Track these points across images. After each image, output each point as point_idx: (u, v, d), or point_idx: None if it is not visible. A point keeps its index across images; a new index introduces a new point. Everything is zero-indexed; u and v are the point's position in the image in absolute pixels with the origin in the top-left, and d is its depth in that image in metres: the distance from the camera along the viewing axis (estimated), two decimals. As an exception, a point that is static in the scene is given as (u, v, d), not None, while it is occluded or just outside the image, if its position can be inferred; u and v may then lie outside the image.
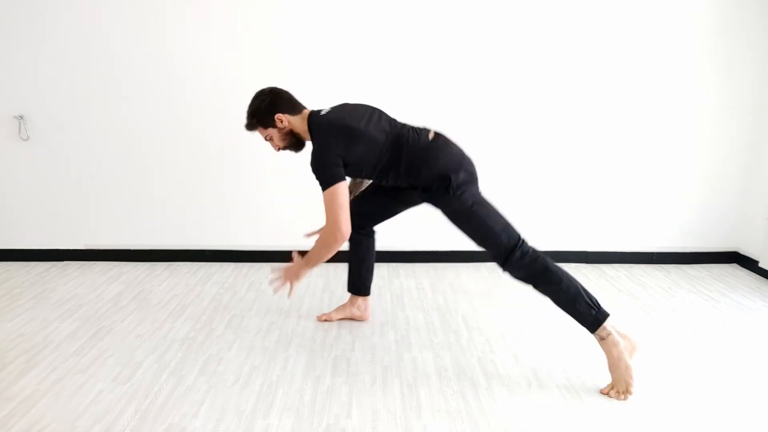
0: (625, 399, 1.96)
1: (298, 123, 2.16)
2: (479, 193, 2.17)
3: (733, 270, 3.29)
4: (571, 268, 3.28)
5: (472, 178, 2.17)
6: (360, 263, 2.55)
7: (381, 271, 3.25)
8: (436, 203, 2.16)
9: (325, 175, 2.02)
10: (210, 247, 3.39)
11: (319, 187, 2.05)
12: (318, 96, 3.14)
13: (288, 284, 2.22)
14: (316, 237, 2.20)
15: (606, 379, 2.05)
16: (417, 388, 2.03)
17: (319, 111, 2.18)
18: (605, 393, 1.99)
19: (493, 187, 3.27)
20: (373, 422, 1.83)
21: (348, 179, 2.09)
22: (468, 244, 3.35)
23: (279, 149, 2.24)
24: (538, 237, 3.33)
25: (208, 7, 3.04)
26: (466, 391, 2.01)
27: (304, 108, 2.20)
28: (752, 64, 3.12)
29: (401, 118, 3.14)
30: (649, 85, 3.15)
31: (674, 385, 2.05)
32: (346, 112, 2.16)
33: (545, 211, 3.32)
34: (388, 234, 3.34)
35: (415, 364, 2.20)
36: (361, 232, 2.48)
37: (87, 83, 3.13)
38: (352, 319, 2.58)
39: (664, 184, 3.28)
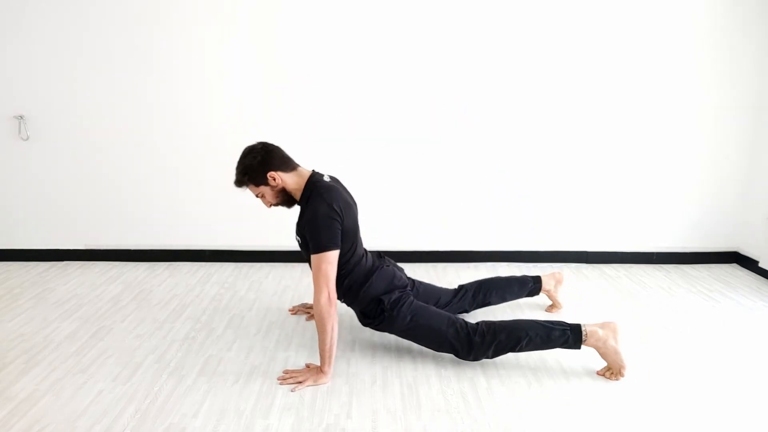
0: (618, 379, 2.06)
1: (290, 180, 2.11)
2: (412, 302, 2.20)
3: (733, 270, 3.29)
4: (571, 268, 3.31)
5: (403, 290, 2.22)
6: (498, 293, 2.60)
7: (381, 271, 3.25)
8: (379, 328, 2.22)
9: (324, 239, 2.00)
10: (210, 247, 3.39)
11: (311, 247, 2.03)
12: (318, 96, 3.15)
13: (300, 384, 2.05)
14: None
15: (602, 379, 2.06)
16: (417, 388, 2.03)
17: (321, 175, 2.17)
18: (601, 374, 2.09)
19: (494, 188, 3.29)
20: (373, 422, 1.83)
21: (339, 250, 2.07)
22: (468, 244, 3.38)
23: (271, 206, 2.19)
24: (539, 237, 3.36)
25: (208, 8, 3.04)
26: (466, 391, 2.01)
27: (297, 165, 2.17)
28: (752, 65, 3.12)
29: (401, 118, 3.17)
30: (649, 86, 3.15)
31: (674, 385, 2.05)
32: (349, 196, 2.21)
33: (545, 211, 3.32)
34: (389, 234, 3.35)
35: (415, 364, 2.19)
36: (472, 303, 2.55)
37: (87, 83, 3.13)
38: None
39: (664, 184, 3.28)
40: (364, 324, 2.26)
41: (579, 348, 2.07)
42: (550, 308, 2.69)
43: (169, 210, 3.32)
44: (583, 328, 2.06)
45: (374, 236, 3.26)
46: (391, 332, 2.22)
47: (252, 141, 2.22)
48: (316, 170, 2.20)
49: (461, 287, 2.53)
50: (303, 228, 2.08)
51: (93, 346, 2.34)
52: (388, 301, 2.15)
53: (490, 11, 3.05)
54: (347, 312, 2.67)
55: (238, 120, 3.17)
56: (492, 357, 2.13)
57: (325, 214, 2.02)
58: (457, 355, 2.15)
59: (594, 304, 2.77)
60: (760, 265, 3.13)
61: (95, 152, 3.23)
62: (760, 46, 3.10)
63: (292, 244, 3.28)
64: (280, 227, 3.28)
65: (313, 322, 2.56)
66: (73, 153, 3.23)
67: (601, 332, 2.05)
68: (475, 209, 3.32)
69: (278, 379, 2.08)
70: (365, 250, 2.31)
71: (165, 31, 3.07)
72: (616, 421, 1.84)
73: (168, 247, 3.39)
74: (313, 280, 2.02)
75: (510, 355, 2.26)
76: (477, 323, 2.13)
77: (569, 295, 2.86)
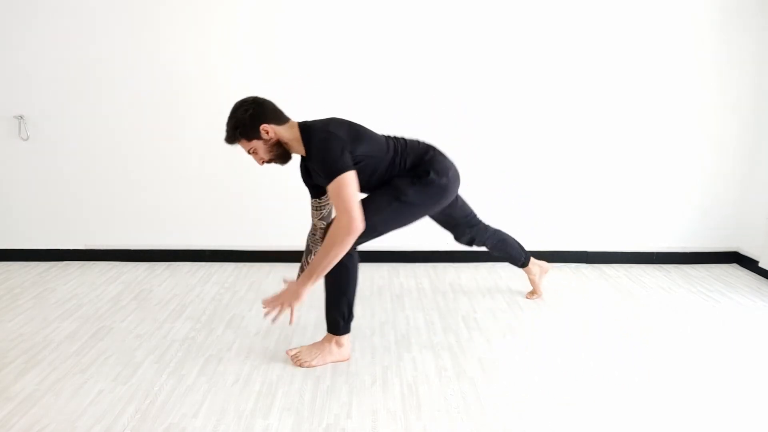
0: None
1: (285, 133, 2.03)
2: (418, 202, 2.17)
3: (733, 270, 3.29)
4: (571, 269, 3.31)
5: (443, 186, 2.22)
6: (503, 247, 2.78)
7: (381, 271, 3.25)
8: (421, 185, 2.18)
9: (336, 164, 1.89)
10: (210, 247, 3.39)
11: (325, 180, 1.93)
12: (318, 96, 3.15)
13: (287, 309, 1.96)
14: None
15: (602, 379, 2.06)
16: (417, 388, 2.03)
17: (307, 121, 2.10)
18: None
19: (494, 188, 3.29)
20: (373, 422, 1.83)
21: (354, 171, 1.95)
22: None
23: (263, 162, 2.09)
24: (539, 237, 3.36)
25: (207, 8, 3.04)
26: (466, 391, 2.01)
27: (289, 118, 2.09)
28: (752, 64, 3.12)
29: (401, 118, 3.17)
30: (649, 85, 3.15)
31: (674, 384, 2.05)
32: (341, 119, 2.12)
33: (545, 211, 3.32)
34: (388, 234, 3.34)
35: (415, 364, 2.20)
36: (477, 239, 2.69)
37: (87, 83, 3.13)
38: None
39: (664, 184, 3.28)
40: (407, 183, 2.16)
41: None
42: (530, 294, 2.84)
43: (169, 210, 3.32)
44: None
45: (374, 236, 3.27)
46: (411, 193, 2.15)
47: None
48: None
49: (482, 227, 2.63)
50: (315, 165, 2.01)
51: (93, 346, 2.34)
52: (433, 170, 2.18)
53: (490, 11, 3.05)
54: (347, 312, 2.67)
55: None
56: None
57: (325, 140, 1.94)
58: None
59: (594, 304, 2.77)
60: (760, 265, 3.13)
61: (95, 152, 3.23)
62: (760, 45, 3.10)
63: (293, 244, 3.29)
64: (280, 227, 3.30)
65: (313, 323, 2.56)
66: (73, 153, 3.23)
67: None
68: (474, 209, 3.32)
69: (264, 315, 2.01)
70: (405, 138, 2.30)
71: (165, 32, 3.07)
72: (616, 421, 1.84)
73: (168, 247, 3.39)
74: (335, 207, 1.91)
75: (510, 355, 2.26)
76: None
77: (569, 295, 2.87)
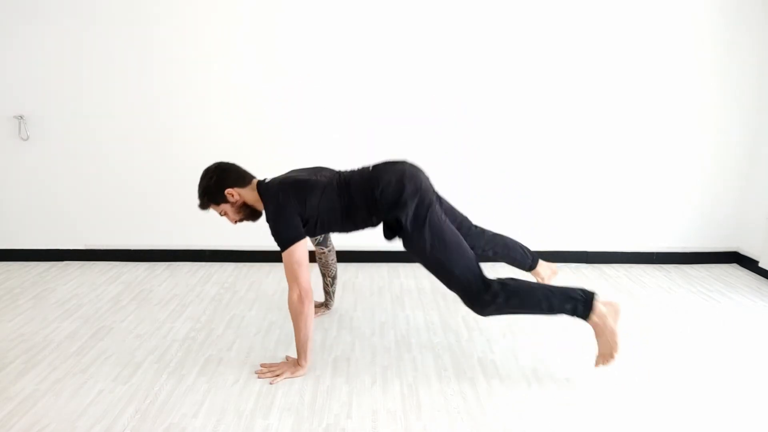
0: (608, 363, 1.98)
1: (248, 194, 2.14)
2: (436, 221, 2.06)
3: (733, 270, 3.29)
4: (571, 269, 3.31)
5: (422, 203, 2.05)
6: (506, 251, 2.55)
7: (381, 271, 3.25)
8: (404, 244, 2.13)
9: (283, 236, 2.02)
10: (210, 247, 3.39)
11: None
12: (318, 96, 3.15)
13: (285, 377, 2.09)
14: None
15: (602, 379, 2.06)
16: (417, 388, 2.03)
17: (264, 179, 2.17)
18: (597, 365, 2.01)
19: (494, 188, 3.29)
20: (373, 422, 1.83)
21: (307, 237, 2.06)
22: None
23: (235, 222, 2.21)
24: (539, 237, 3.35)
25: (207, 8, 3.04)
26: (466, 391, 2.01)
27: (253, 178, 2.18)
28: (753, 65, 3.12)
29: (401, 118, 3.17)
30: (649, 85, 3.15)
31: (674, 385, 2.05)
32: (291, 173, 2.21)
33: (545, 211, 3.32)
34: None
35: (415, 364, 2.19)
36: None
37: (87, 83, 3.13)
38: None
39: (664, 184, 3.28)
40: (388, 238, 2.15)
41: (586, 319, 1.98)
42: None
43: (169, 210, 3.32)
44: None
45: (374, 236, 3.26)
46: (411, 253, 2.12)
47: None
48: (262, 178, 2.18)
49: (478, 231, 2.44)
50: (271, 233, 2.07)
51: (93, 346, 2.34)
52: (406, 218, 2.02)
53: (491, 11, 3.05)
54: (347, 313, 2.68)
55: (237, 120, 3.17)
56: (499, 313, 2.07)
57: (275, 212, 2.03)
58: (466, 301, 2.06)
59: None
60: (760, 265, 3.13)
61: (95, 152, 3.23)
62: (760, 45, 3.10)
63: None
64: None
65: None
66: (73, 153, 3.23)
67: (603, 309, 1.97)
68: (475, 209, 3.31)
69: (256, 373, 2.11)
70: (351, 171, 2.21)
71: (165, 32, 3.07)
72: (616, 421, 1.84)
73: (168, 247, 3.39)
74: (286, 278, 2.04)
75: (510, 355, 2.26)
76: (492, 281, 2.03)
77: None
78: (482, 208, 3.30)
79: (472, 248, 2.28)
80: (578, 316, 1.99)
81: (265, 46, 3.09)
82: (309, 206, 2.05)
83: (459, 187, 3.28)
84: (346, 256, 3.37)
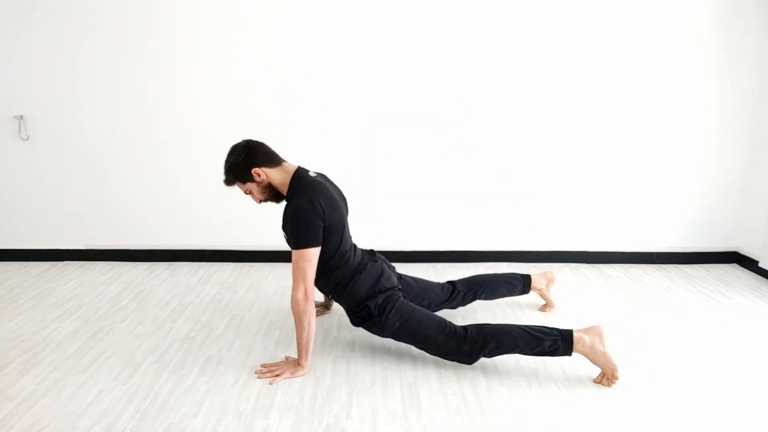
0: (613, 383, 2.02)
1: (275, 176, 2.12)
2: (402, 305, 2.17)
3: (733, 270, 3.29)
4: (571, 268, 3.31)
5: (389, 294, 2.19)
6: (489, 290, 2.59)
7: (381, 271, 3.25)
8: (370, 331, 2.22)
9: (303, 237, 2.01)
10: (210, 247, 3.39)
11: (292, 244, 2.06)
12: (318, 96, 3.15)
13: (285, 377, 2.10)
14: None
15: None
16: (417, 388, 2.03)
17: (307, 170, 2.18)
18: (597, 381, 2.06)
19: (494, 188, 3.29)
20: (373, 422, 1.83)
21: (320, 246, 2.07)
22: (468, 244, 3.37)
23: (260, 202, 2.21)
24: (539, 237, 3.36)
25: (207, 8, 3.04)
26: (466, 391, 2.01)
27: (283, 161, 2.17)
28: (752, 65, 3.12)
29: (401, 118, 3.17)
30: (649, 85, 3.15)
31: (675, 384, 2.05)
32: (334, 189, 2.21)
33: (545, 211, 3.32)
34: (389, 234, 3.35)
35: (415, 364, 2.19)
36: (459, 299, 2.54)
37: (87, 83, 3.13)
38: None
39: (664, 184, 3.28)
40: (355, 324, 2.25)
41: (570, 355, 2.04)
42: (544, 307, 2.68)
43: (169, 210, 3.32)
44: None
45: (374, 236, 3.27)
46: (381, 336, 2.23)
47: (270, 146, 2.23)
48: (303, 166, 2.19)
49: (453, 287, 2.49)
50: (285, 223, 2.09)
51: (93, 346, 2.34)
52: (375, 306, 2.14)
53: (490, 11, 3.05)
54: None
55: (238, 120, 3.17)
56: (485, 357, 2.13)
57: (306, 211, 2.02)
58: (447, 359, 2.16)
59: (594, 304, 2.77)
60: (760, 265, 3.13)
61: (95, 152, 3.23)
62: (760, 46, 3.10)
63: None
64: (280, 227, 3.29)
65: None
66: (73, 153, 3.23)
67: (587, 338, 2.02)
68: (475, 209, 3.32)
69: (256, 373, 2.11)
70: (354, 246, 2.30)
71: (165, 32, 3.07)
72: (616, 421, 1.84)
73: (168, 247, 3.39)
74: (292, 275, 2.04)
75: (510, 355, 2.26)
76: (467, 329, 2.10)
77: (569, 295, 2.86)
78: (482, 208, 3.31)
79: (464, 301, 2.51)
80: (561, 353, 2.04)
81: (265, 46, 3.09)
82: (333, 218, 2.08)
83: (459, 187, 3.29)
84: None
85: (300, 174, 2.13)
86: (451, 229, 3.36)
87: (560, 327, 2.07)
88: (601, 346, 2.02)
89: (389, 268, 2.35)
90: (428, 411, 1.89)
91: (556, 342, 2.02)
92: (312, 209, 2.02)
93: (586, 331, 2.05)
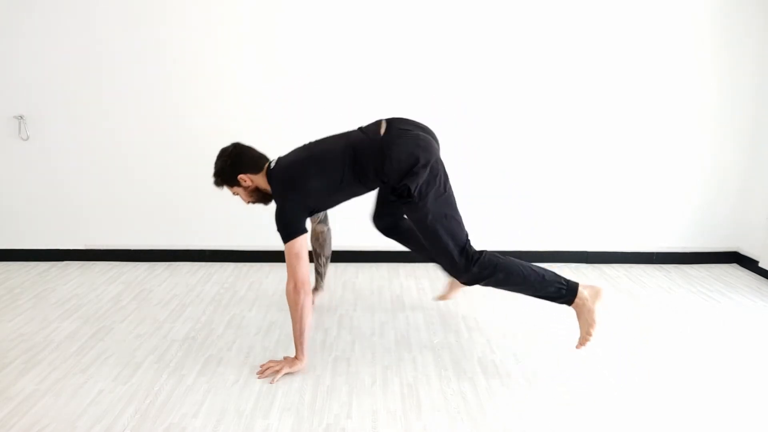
0: (587, 342, 2.04)
1: (261, 181, 2.19)
2: (441, 197, 2.12)
3: (733, 270, 3.29)
4: (571, 268, 3.31)
5: (432, 179, 2.08)
6: (418, 248, 2.56)
7: (381, 271, 3.25)
8: (403, 206, 2.17)
9: (285, 232, 2.06)
10: (210, 247, 3.39)
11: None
12: (318, 96, 3.15)
13: (285, 372, 2.11)
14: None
15: (603, 379, 2.06)
16: (417, 388, 2.03)
17: (271, 163, 2.19)
18: (578, 347, 2.08)
19: (494, 188, 3.29)
20: (373, 422, 1.83)
21: (308, 232, 2.09)
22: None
23: (248, 203, 2.28)
24: (539, 237, 3.35)
25: (207, 8, 3.04)
26: (466, 391, 2.01)
27: (267, 162, 2.20)
28: (752, 64, 3.12)
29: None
30: (649, 85, 3.15)
31: (674, 384, 2.05)
32: (291, 160, 2.16)
33: (545, 211, 3.32)
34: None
35: (415, 364, 2.20)
36: (395, 231, 2.56)
37: (87, 83, 3.13)
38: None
39: (664, 184, 3.28)
40: (392, 199, 2.17)
41: (570, 305, 2.07)
42: (442, 297, 2.71)
43: (169, 210, 3.32)
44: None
45: (374, 236, 3.26)
46: (408, 215, 2.19)
47: (251, 141, 2.24)
48: (270, 160, 2.20)
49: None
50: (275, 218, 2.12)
51: (93, 346, 2.34)
52: (414, 187, 2.04)
53: (490, 11, 3.05)
54: (347, 313, 2.68)
55: (238, 120, 3.17)
56: (482, 285, 2.14)
57: (280, 206, 2.08)
58: (450, 272, 2.15)
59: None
60: (760, 265, 3.13)
61: (95, 152, 3.23)
62: (760, 45, 3.10)
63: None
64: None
65: (312, 324, 2.57)
66: (73, 153, 3.23)
67: (585, 292, 2.06)
68: (475, 209, 3.31)
69: (257, 374, 2.11)
70: (359, 130, 2.21)
71: (164, 32, 3.07)
72: (616, 421, 1.84)
73: (168, 247, 3.39)
74: (287, 269, 2.08)
75: (510, 355, 2.26)
76: (481, 253, 2.10)
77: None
78: (482, 208, 3.31)
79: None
80: (563, 301, 2.07)
81: (265, 46, 3.09)
82: (313, 195, 2.10)
83: (459, 187, 3.27)
84: (346, 256, 3.37)
85: (270, 175, 2.16)
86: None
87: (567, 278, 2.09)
88: (592, 304, 2.05)
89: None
90: (428, 411, 1.89)
91: (560, 290, 2.06)
92: (283, 200, 2.08)
93: (587, 287, 2.10)
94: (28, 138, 3.21)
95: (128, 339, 2.40)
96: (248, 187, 2.20)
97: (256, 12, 3.05)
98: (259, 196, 2.25)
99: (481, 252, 2.11)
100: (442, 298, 2.72)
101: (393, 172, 2.06)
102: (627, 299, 2.84)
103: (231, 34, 3.08)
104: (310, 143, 2.26)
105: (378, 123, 2.19)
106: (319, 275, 2.68)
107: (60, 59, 3.09)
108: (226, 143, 2.24)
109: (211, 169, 3.19)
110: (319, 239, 2.59)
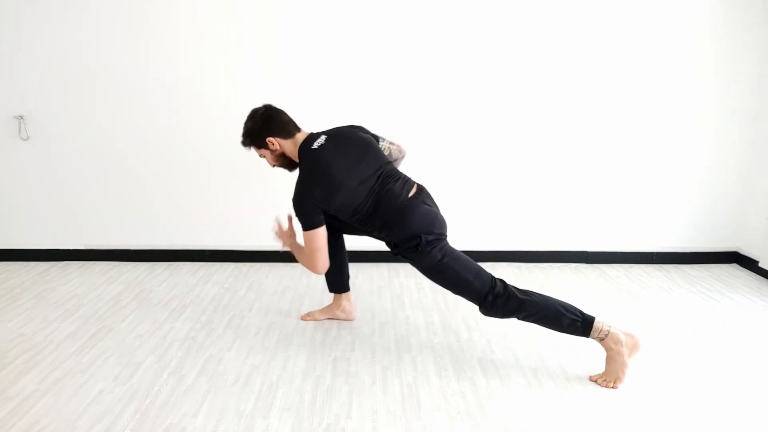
0: (606, 386, 2.02)
1: (289, 147, 2.20)
2: (447, 245, 2.16)
3: (733, 270, 3.29)
4: (571, 269, 3.31)
5: (441, 237, 2.16)
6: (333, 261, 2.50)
7: (381, 271, 3.25)
8: (408, 259, 2.17)
9: (305, 220, 2.10)
10: (210, 247, 3.39)
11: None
12: (318, 96, 3.15)
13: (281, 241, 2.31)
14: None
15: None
16: (417, 388, 2.03)
17: (313, 139, 2.17)
18: (594, 380, 2.05)
19: (494, 188, 3.29)
20: (373, 422, 1.83)
21: (324, 225, 2.15)
22: (468, 244, 3.37)
23: (273, 166, 2.31)
24: (539, 237, 3.35)
25: (207, 9, 3.04)
26: (466, 391, 2.01)
27: (299, 131, 2.22)
28: (752, 65, 3.12)
29: (401, 118, 3.16)
30: (649, 86, 3.15)
31: (674, 385, 2.05)
32: (335, 154, 2.13)
33: (545, 211, 3.32)
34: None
35: (415, 364, 2.20)
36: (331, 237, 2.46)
37: (87, 83, 3.13)
38: (336, 319, 2.58)
39: (664, 184, 3.28)
40: (394, 254, 2.20)
41: (588, 337, 2.02)
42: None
43: (170, 210, 3.32)
44: (599, 324, 2.00)
45: (374, 236, 3.27)
46: (416, 266, 2.17)
47: (289, 114, 2.24)
48: (311, 133, 2.21)
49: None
50: (293, 200, 2.14)
51: (93, 346, 2.34)
52: (425, 240, 2.08)
53: (490, 11, 3.05)
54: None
55: (238, 120, 3.16)
56: (500, 317, 2.11)
57: (302, 195, 2.10)
58: (479, 304, 2.11)
59: (594, 304, 2.77)
60: (760, 265, 3.13)
61: (95, 152, 3.23)
62: (760, 46, 3.10)
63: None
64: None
65: (312, 323, 2.57)
66: (73, 153, 3.23)
67: (623, 338, 2.00)
68: (475, 209, 3.32)
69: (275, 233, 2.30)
70: (394, 180, 2.18)
71: (165, 32, 3.07)
72: (616, 422, 1.84)
73: (168, 247, 3.39)
74: (305, 249, 2.17)
75: (510, 354, 2.26)
76: (497, 283, 2.09)
77: (570, 296, 2.86)
78: (482, 208, 3.31)
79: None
80: (576, 332, 2.03)
81: (265, 46, 3.09)
82: (335, 204, 2.12)
83: (459, 187, 3.28)
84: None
85: (305, 146, 2.16)
86: (450, 229, 3.34)
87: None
88: (627, 357, 2.01)
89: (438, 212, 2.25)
90: (428, 411, 1.89)
91: (575, 323, 2.01)
92: (305, 195, 2.10)
93: (628, 334, 2.03)
94: (28, 138, 3.21)
95: (128, 339, 2.40)
96: (275, 151, 2.20)
97: (256, 12, 3.05)
98: (284, 162, 2.26)
99: (505, 285, 2.10)
100: (313, 317, 2.61)
101: (402, 234, 2.10)
102: (627, 299, 2.84)
103: (231, 34, 3.08)
104: (356, 148, 2.19)
105: (411, 182, 2.23)
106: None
107: (60, 59, 3.09)
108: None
109: (212, 169, 3.23)
110: None
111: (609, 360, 2.03)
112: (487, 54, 3.11)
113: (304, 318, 2.59)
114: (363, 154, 2.18)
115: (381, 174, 2.18)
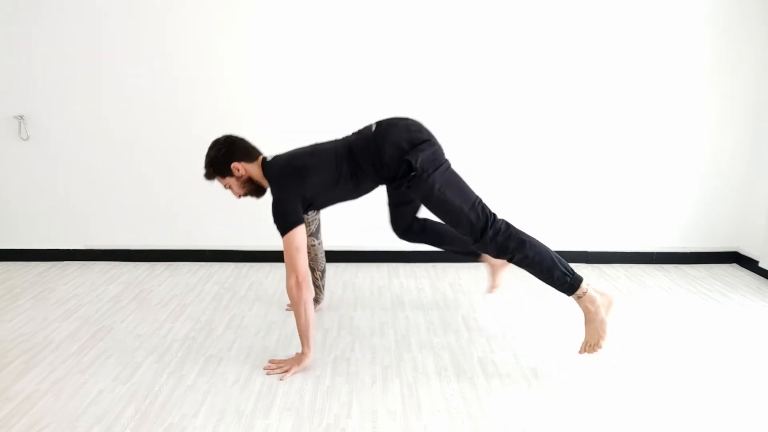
0: (593, 351, 2.02)
1: (254, 170, 2.19)
2: (446, 170, 2.14)
3: (733, 270, 3.29)
4: (571, 268, 3.29)
5: (432, 154, 2.11)
6: (443, 241, 2.56)
7: (381, 271, 3.25)
8: (409, 189, 2.14)
9: (282, 223, 2.07)
10: (210, 247, 3.39)
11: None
12: (318, 95, 3.15)
13: (294, 371, 2.12)
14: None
15: (602, 379, 2.06)
16: (417, 388, 2.03)
17: (266, 157, 2.21)
18: (581, 352, 2.06)
19: (494, 187, 3.28)
20: (373, 422, 1.83)
21: (304, 223, 2.12)
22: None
23: (239, 197, 2.27)
24: (539, 237, 3.34)
25: (207, 9, 3.04)
26: (466, 391, 2.01)
27: (260, 154, 2.23)
28: (753, 65, 3.12)
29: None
30: (649, 85, 3.15)
31: (674, 385, 2.05)
32: (292, 153, 2.22)
33: (545, 211, 3.32)
34: (389, 234, 3.34)
35: (415, 364, 2.20)
36: (412, 231, 2.55)
37: (87, 83, 3.13)
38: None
39: (664, 184, 3.28)
40: (394, 187, 2.19)
41: (569, 295, 2.03)
42: (491, 289, 2.69)
43: (169, 210, 3.32)
44: (584, 284, 2.01)
45: (374, 237, 3.27)
46: (415, 195, 2.16)
47: (251, 141, 2.25)
48: (264, 155, 2.23)
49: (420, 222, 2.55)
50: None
51: (93, 346, 2.34)
52: (416, 161, 2.03)
53: (491, 11, 3.05)
54: (347, 313, 2.68)
55: (238, 120, 3.17)
56: (493, 255, 2.13)
57: (277, 196, 2.10)
58: (473, 238, 2.10)
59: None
60: (760, 265, 3.13)
61: (95, 152, 3.23)
62: (760, 46, 3.10)
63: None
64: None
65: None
66: (73, 153, 3.24)
67: (599, 299, 2.02)
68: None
69: (264, 368, 2.13)
70: (353, 134, 2.25)
71: (164, 32, 3.07)
72: (616, 422, 1.84)
73: (168, 247, 3.39)
74: (285, 265, 2.10)
75: (509, 354, 2.26)
76: (499, 220, 2.11)
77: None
78: (482, 208, 3.31)
79: (410, 227, 2.53)
80: (564, 290, 2.03)
81: (266, 46, 3.09)
82: (311, 186, 2.11)
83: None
84: (346, 256, 3.38)
85: (265, 165, 2.18)
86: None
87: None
88: (605, 314, 2.02)
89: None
90: (428, 411, 1.89)
91: (565, 276, 2.02)
92: (280, 193, 2.09)
93: (602, 293, 2.05)
94: (28, 138, 3.21)
95: (128, 339, 2.40)
96: (241, 177, 2.18)
97: (256, 12, 3.05)
98: (251, 188, 2.24)
99: (499, 219, 2.12)
100: (492, 288, 2.68)
101: (392, 159, 2.08)
102: (627, 299, 2.84)
103: (231, 34, 3.08)
104: (306, 145, 2.29)
105: (368, 126, 2.23)
106: (318, 288, 2.66)
107: (60, 59, 3.10)
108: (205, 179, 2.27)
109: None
110: (311, 253, 2.56)
111: (587, 321, 2.03)
112: (487, 55, 3.11)
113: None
114: (317, 146, 2.25)
115: (338, 142, 2.23)
